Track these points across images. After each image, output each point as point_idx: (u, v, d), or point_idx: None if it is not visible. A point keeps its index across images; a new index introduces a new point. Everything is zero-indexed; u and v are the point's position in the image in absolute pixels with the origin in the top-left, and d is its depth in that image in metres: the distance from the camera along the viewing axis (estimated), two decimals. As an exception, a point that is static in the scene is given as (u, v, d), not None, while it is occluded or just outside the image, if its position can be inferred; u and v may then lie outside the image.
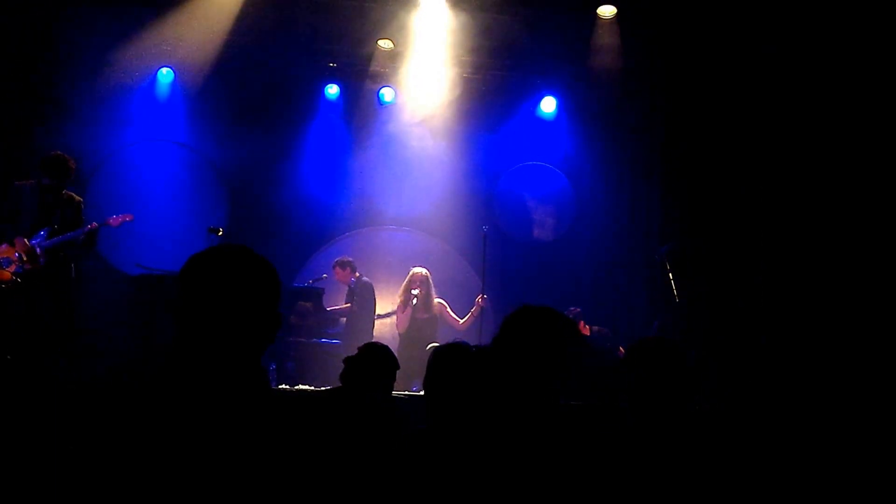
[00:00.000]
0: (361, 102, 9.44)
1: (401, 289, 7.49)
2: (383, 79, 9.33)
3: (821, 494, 4.17)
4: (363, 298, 7.82)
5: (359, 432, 3.48)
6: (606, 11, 8.55)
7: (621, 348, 7.73)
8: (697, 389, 5.58)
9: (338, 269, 7.99)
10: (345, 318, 7.75)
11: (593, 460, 2.21)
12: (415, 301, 7.28)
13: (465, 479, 2.08)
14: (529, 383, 2.16)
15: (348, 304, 7.78)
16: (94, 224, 6.42)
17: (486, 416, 2.17)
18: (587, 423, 4.89)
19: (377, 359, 3.81)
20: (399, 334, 7.46)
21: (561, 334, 2.22)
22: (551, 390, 2.20)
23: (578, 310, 7.69)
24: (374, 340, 7.46)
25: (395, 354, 7.38)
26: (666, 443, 2.59)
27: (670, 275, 7.03)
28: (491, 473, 2.07)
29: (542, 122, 9.64)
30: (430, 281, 7.46)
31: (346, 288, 8.01)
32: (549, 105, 9.58)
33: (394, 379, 3.86)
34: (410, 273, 7.47)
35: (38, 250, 6.19)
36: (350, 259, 8.07)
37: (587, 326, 7.70)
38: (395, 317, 7.70)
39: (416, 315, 7.33)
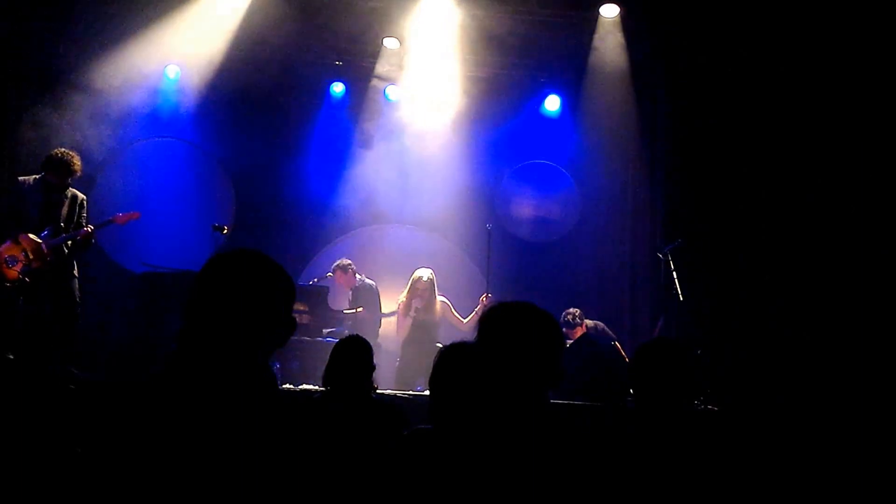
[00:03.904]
0: (367, 100, 9.44)
1: (403, 292, 7.43)
2: (389, 77, 9.32)
3: (825, 493, 4.17)
4: (368, 300, 7.79)
5: (356, 433, 3.47)
6: (610, 10, 8.54)
7: (616, 343, 7.72)
8: (702, 389, 5.60)
9: (339, 272, 7.90)
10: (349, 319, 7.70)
11: (597, 460, 2.21)
12: (413, 313, 7.25)
13: (469, 478, 2.08)
14: (513, 380, 2.15)
15: (356, 309, 7.71)
16: (90, 227, 6.41)
17: (488, 416, 2.16)
18: (590, 422, 4.90)
19: (350, 358, 3.77)
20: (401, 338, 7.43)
21: (538, 329, 2.20)
22: (538, 385, 2.18)
23: (578, 311, 7.67)
24: (379, 340, 7.51)
25: (399, 354, 7.40)
26: (671, 442, 2.59)
27: (674, 273, 7.01)
28: (494, 473, 2.06)
29: (546, 121, 9.64)
30: (434, 283, 7.36)
31: (349, 290, 7.96)
32: (553, 103, 9.58)
33: (372, 370, 3.81)
34: (414, 278, 7.35)
35: (44, 248, 6.19)
36: (349, 262, 7.97)
37: (584, 323, 7.68)
38: (396, 318, 7.65)
39: (419, 317, 7.26)
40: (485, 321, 2.25)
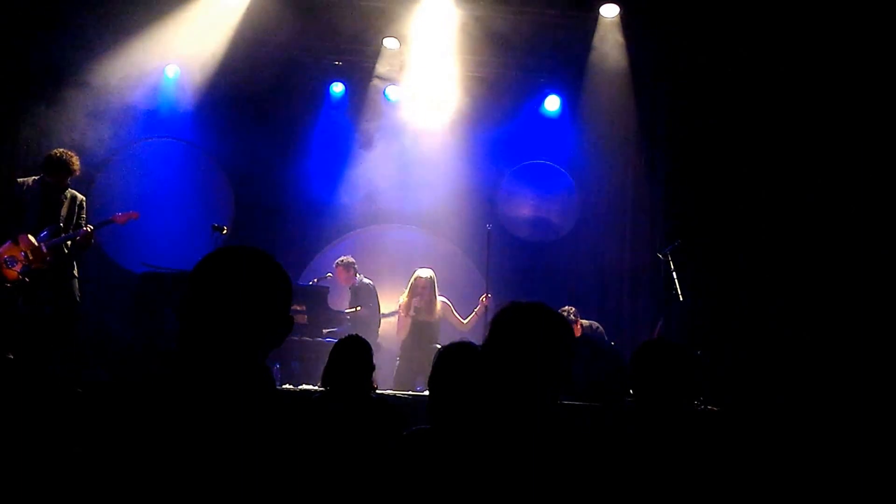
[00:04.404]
0: (367, 101, 9.42)
1: (404, 292, 7.43)
2: (389, 77, 9.31)
3: (825, 493, 4.16)
4: (368, 300, 7.79)
5: (355, 433, 3.47)
6: (610, 10, 8.54)
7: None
8: (702, 390, 5.60)
9: (340, 269, 7.95)
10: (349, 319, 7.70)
11: (598, 462, 2.20)
12: (413, 312, 7.24)
13: (468, 478, 2.07)
14: (524, 382, 2.14)
15: (356, 308, 7.72)
16: (90, 227, 6.41)
17: (489, 417, 2.16)
18: (592, 423, 4.89)
19: (349, 358, 3.77)
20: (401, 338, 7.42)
21: (551, 330, 2.19)
22: (549, 388, 2.18)
23: (573, 309, 7.65)
24: (379, 340, 7.51)
25: (398, 354, 7.40)
26: (671, 442, 2.59)
27: (674, 273, 7.00)
28: (494, 474, 2.06)
29: (546, 121, 9.63)
30: (435, 283, 7.38)
31: (348, 288, 7.98)
32: (553, 104, 9.57)
33: (371, 370, 3.81)
34: (414, 276, 7.37)
35: (43, 248, 6.18)
36: (353, 260, 8.02)
37: (579, 322, 7.67)
38: (397, 318, 7.65)
39: (419, 318, 7.27)
40: (497, 321, 2.24)
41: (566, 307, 7.59)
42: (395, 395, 5.49)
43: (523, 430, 2.09)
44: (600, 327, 7.82)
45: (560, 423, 2.18)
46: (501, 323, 2.22)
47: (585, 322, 7.71)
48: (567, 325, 2.26)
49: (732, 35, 7.59)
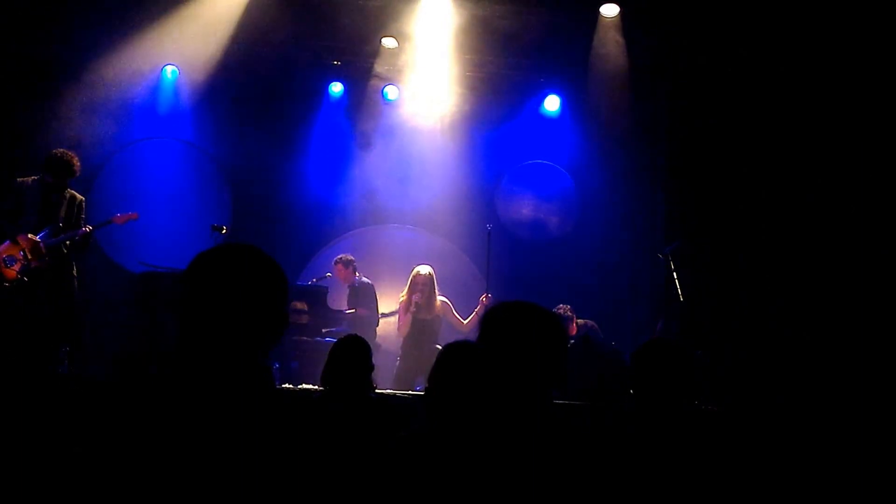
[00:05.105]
0: (365, 100, 9.42)
1: (404, 289, 7.44)
2: (387, 77, 9.31)
3: (825, 494, 4.16)
4: (367, 300, 7.80)
5: (355, 433, 3.47)
6: (610, 10, 8.54)
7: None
8: (702, 390, 5.60)
9: (340, 266, 7.96)
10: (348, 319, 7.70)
11: (598, 462, 2.20)
12: (414, 309, 7.24)
13: (468, 478, 2.07)
14: (516, 381, 2.14)
15: (355, 310, 7.72)
16: (89, 228, 6.41)
17: (488, 416, 2.15)
18: (590, 422, 4.89)
19: (349, 356, 3.77)
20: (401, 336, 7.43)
21: (540, 329, 2.18)
22: (542, 388, 2.17)
23: (569, 307, 7.66)
24: (379, 340, 7.51)
25: (398, 354, 7.41)
26: (671, 443, 2.59)
27: (675, 274, 7.00)
28: (493, 474, 2.05)
29: (546, 121, 9.63)
30: (434, 280, 7.38)
31: (347, 287, 7.98)
32: (552, 103, 9.57)
33: (370, 370, 3.81)
34: (413, 273, 7.37)
35: (42, 247, 6.18)
36: (352, 258, 8.03)
37: (575, 320, 7.67)
38: (397, 316, 7.66)
39: (419, 316, 7.26)
40: (486, 321, 2.24)
41: (562, 305, 7.60)
42: (395, 395, 5.49)
43: (521, 429, 2.09)
44: (595, 325, 7.82)
45: (559, 423, 2.17)
46: (490, 322, 2.22)
47: (581, 321, 7.71)
48: (558, 323, 2.26)
49: (732, 35, 7.60)
